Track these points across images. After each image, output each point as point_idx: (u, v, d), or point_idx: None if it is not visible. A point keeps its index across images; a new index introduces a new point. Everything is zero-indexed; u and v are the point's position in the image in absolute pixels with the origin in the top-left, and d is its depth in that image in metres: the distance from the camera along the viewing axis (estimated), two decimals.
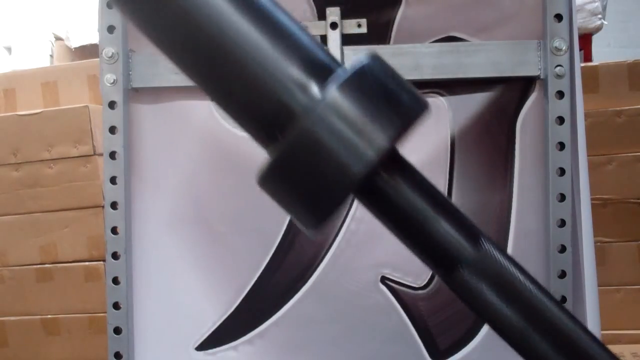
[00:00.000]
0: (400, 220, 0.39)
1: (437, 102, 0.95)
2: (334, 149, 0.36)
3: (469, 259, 0.37)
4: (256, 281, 0.97)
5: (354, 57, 0.89)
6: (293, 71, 0.38)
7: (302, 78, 0.38)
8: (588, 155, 0.91)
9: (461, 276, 0.37)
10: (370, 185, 0.38)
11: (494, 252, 0.38)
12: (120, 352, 0.93)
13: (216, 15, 0.38)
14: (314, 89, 0.37)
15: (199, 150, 0.96)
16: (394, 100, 0.37)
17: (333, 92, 0.36)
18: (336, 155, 0.36)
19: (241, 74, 0.38)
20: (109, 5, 0.91)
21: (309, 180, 0.36)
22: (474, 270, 0.37)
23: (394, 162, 0.39)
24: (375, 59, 0.38)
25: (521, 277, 0.37)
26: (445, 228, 0.38)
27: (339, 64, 0.39)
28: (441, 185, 0.94)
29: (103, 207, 0.96)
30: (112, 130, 0.92)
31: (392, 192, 0.38)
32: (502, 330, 0.37)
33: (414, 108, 0.37)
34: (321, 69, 0.38)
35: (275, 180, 0.38)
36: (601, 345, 0.37)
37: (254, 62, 0.38)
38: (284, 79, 0.37)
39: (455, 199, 0.94)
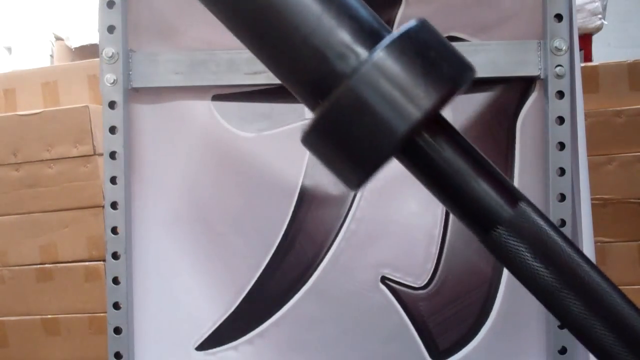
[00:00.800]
0: (440, 180, 0.40)
1: None
2: (377, 108, 0.36)
3: (505, 219, 0.38)
4: (256, 281, 0.97)
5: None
6: (341, 33, 0.38)
7: (350, 40, 0.38)
8: (588, 155, 0.91)
9: (497, 236, 0.38)
10: (413, 146, 0.39)
11: (532, 214, 0.38)
12: (120, 352, 0.93)
13: None
14: (361, 51, 0.38)
15: (199, 150, 0.96)
16: (440, 64, 0.37)
17: (379, 54, 0.36)
18: (380, 114, 0.36)
19: (290, 34, 0.39)
20: (109, 5, 0.91)
21: (351, 138, 0.37)
22: (511, 230, 0.38)
23: (436, 124, 0.39)
24: (423, 23, 0.38)
25: (557, 239, 0.38)
26: (484, 188, 0.39)
27: (388, 29, 0.40)
28: None
29: (103, 207, 0.96)
30: (112, 130, 0.92)
31: (433, 152, 0.39)
32: (537, 290, 0.38)
33: (460, 72, 0.38)
34: (369, 32, 0.39)
35: (318, 138, 0.38)
36: (636, 308, 0.38)
37: (303, 23, 0.38)
38: (333, 41, 0.38)
39: None
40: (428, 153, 0.39)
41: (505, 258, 0.39)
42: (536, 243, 0.38)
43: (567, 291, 0.38)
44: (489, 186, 0.39)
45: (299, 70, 0.40)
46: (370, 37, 0.39)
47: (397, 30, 0.38)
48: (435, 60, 0.37)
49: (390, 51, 0.37)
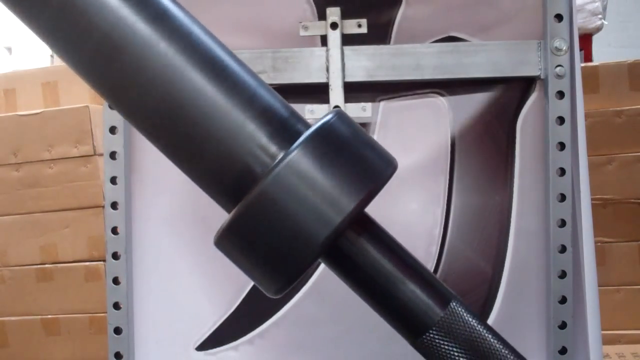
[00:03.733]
0: (367, 284, 0.37)
1: (437, 102, 0.95)
2: (295, 213, 0.33)
3: (437, 322, 0.36)
4: None
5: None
6: (254, 131, 0.35)
7: (263, 138, 0.35)
8: (588, 155, 0.91)
9: (429, 339, 0.36)
10: (335, 249, 0.36)
11: (463, 313, 0.36)
12: (121, 352, 0.93)
13: (176, 75, 0.35)
14: (275, 150, 0.35)
15: None
16: (360, 160, 0.34)
17: (294, 153, 0.33)
18: (298, 219, 0.33)
19: (199, 134, 0.35)
20: None
21: (267, 245, 0.34)
22: (442, 332, 0.35)
23: (360, 224, 0.37)
24: (340, 116, 0.36)
25: (491, 338, 0.36)
26: (412, 290, 0.36)
27: (305, 123, 0.37)
28: (441, 185, 0.94)
29: (103, 207, 0.96)
30: (113, 130, 0.92)
31: (357, 255, 0.37)
32: None
33: (382, 168, 0.35)
34: (284, 129, 0.36)
35: (232, 243, 0.36)
36: None
37: (214, 122, 0.35)
38: (244, 139, 0.35)
39: (455, 200, 0.94)
40: (352, 256, 0.37)
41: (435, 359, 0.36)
42: (469, 344, 0.35)
43: None
44: (417, 288, 0.36)
45: (209, 170, 0.36)
46: (285, 133, 0.35)
47: (315, 123, 0.35)
48: (355, 156, 0.34)
49: (307, 150, 0.33)
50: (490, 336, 0.36)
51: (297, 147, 0.34)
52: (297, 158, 0.34)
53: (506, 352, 0.36)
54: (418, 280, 0.36)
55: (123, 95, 0.38)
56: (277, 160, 0.34)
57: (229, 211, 0.36)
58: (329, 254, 0.36)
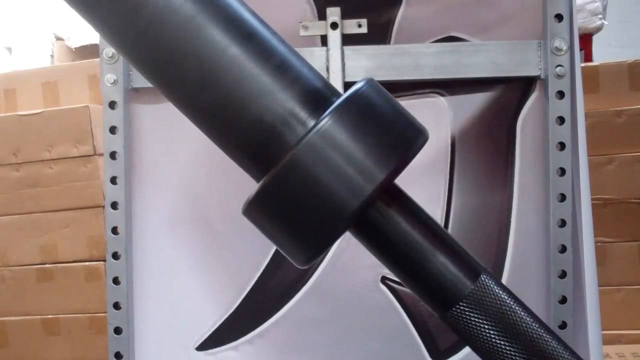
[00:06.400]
0: (396, 255, 0.36)
1: (437, 102, 0.95)
2: (326, 181, 0.33)
3: (466, 295, 0.35)
4: (256, 281, 0.97)
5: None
6: (285, 99, 0.35)
7: (295, 106, 0.35)
8: (588, 155, 0.91)
9: (459, 312, 0.35)
10: (365, 220, 0.36)
11: (493, 286, 0.36)
12: (121, 352, 0.93)
13: (208, 42, 0.35)
14: (307, 118, 0.35)
15: (199, 150, 0.96)
16: (392, 130, 0.34)
17: (326, 121, 0.33)
18: (328, 188, 0.33)
19: (231, 100, 0.35)
20: None
21: (297, 214, 0.34)
22: (472, 305, 0.35)
23: (390, 195, 0.36)
24: (372, 85, 0.35)
25: (521, 312, 0.35)
26: (442, 262, 0.36)
27: (336, 92, 0.37)
28: (441, 185, 0.94)
29: (103, 207, 0.96)
30: (113, 130, 0.92)
31: (387, 226, 0.36)
32: None
33: (413, 138, 0.35)
34: (315, 97, 0.35)
35: (261, 211, 0.36)
36: None
37: (245, 89, 0.35)
38: (276, 107, 0.35)
39: (455, 199, 0.94)
40: (381, 227, 0.36)
41: (467, 335, 0.35)
42: (499, 317, 0.35)
43: None
44: (447, 260, 0.36)
45: (240, 138, 0.36)
46: (317, 102, 0.35)
47: (346, 92, 0.35)
48: (387, 126, 0.34)
49: (338, 118, 0.33)
50: (520, 310, 0.35)
51: (328, 115, 0.33)
52: (329, 126, 0.33)
53: (536, 325, 0.35)
54: (448, 252, 0.36)
55: (155, 59, 0.37)
56: (308, 129, 0.34)
57: (258, 180, 0.36)
58: (358, 224, 0.36)
